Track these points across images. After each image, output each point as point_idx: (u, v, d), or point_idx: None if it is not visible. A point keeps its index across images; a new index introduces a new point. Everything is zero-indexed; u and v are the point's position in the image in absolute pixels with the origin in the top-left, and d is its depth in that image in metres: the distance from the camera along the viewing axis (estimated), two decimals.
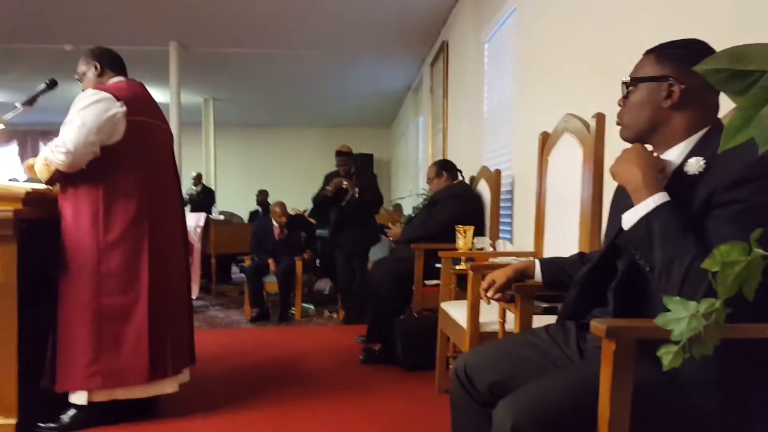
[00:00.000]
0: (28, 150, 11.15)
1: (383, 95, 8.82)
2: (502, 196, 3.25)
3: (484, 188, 3.31)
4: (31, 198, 2.15)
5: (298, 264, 4.81)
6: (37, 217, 2.20)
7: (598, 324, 0.92)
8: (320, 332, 4.29)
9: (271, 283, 4.80)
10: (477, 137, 4.27)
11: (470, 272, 1.97)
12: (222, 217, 6.69)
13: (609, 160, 1.20)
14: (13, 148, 11.34)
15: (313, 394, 2.71)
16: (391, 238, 3.80)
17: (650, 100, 1.13)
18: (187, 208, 7.11)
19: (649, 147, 1.16)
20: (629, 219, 1.06)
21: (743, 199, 0.95)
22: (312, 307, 5.15)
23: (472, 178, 3.56)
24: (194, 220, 5.78)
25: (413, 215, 3.86)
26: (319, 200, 4.64)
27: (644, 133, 1.15)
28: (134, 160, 2.28)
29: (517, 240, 3.19)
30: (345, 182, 4.44)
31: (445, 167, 3.49)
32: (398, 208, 7.37)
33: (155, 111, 2.46)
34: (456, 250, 2.70)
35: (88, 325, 2.18)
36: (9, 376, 2.08)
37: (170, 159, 2.55)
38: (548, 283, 1.47)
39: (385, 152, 11.72)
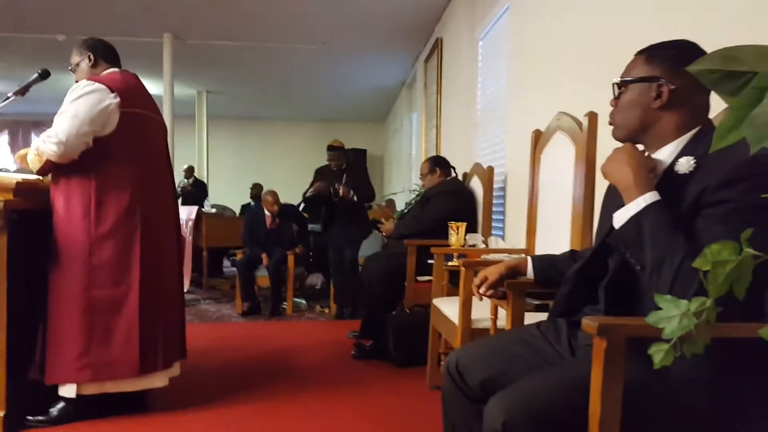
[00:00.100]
0: (19, 140, 11.06)
1: (377, 91, 8.80)
2: (495, 193, 3.26)
3: (476, 185, 3.32)
4: (22, 188, 2.13)
5: (290, 258, 4.80)
6: (27, 208, 2.18)
7: (590, 322, 0.92)
8: (312, 327, 4.29)
9: (262, 277, 4.79)
10: (470, 134, 4.28)
11: (462, 269, 1.98)
12: (214, 211, 6.66)
13: (601, 159, 1.20)
14: (4, 138, 11.23)
15: (304, 388, 2.72)
16: (383, 234, 3.81)
17: (640, 100, 1.14)
18: (179, 201, 7.07)
19: (641, 147, 1.17)
20: (620, 218, 1.07)
21: (734, 199, 0.96)
22: (303, 301, 5.15)
23: (465, 175, 3.57)
24: (186, 213, 5.75)
25: (405, 211, 3.86)
26: (310, 198, 4.64)
27: (635, 133, 1.16)
28: (127, 152, 2.26)
29: (509, 237, 3.20)
30: (342, 189, 4.42)
31: (438, 163, 3.50)
32: (391, 203, 7.37)
33: (149, 103, 2.44)
34: (448, 246, 2.71)
35: (79, 317, 2.17)
36: None
37: (164, 151, 2.53)
38: (540, 280, 1.47)
39: (379, 148, 11.71)
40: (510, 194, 3.27)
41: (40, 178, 2.26)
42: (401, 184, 8.14)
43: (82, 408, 2.22)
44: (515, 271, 1.50)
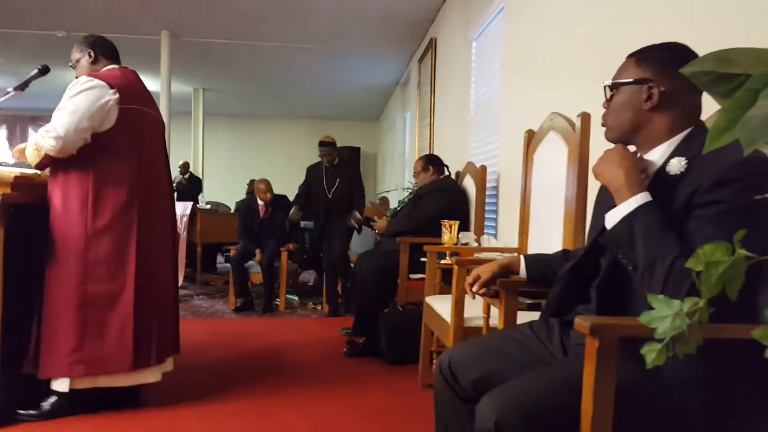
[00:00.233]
0: (17, 135, 11.02)
1: (371, 89, 8.81)
2: (488, 192, 3.27)
3: (469, 184, 3.33)
4: (20, 182, 2.13)
5: (283, 255, 4.78)
6: (25, 202, 2.18)
7: (582, 321, 0.93)
8: (304, 324, 4.29)
9: (256, 273, 4.78)
10: (463, 133, 4.28)
11: (455, 267, 1.98)
12: (209, 207, 6.64)
13: (593, 159, 1.22)
14: (2, 132, 11.18)
15: (296, 385, 2.72)
16: (376, 231, 3.81)
17: (631, 102, 1.15)
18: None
19: (633, 148, 1.18)
20: (612, 218, 1.07)
21: (726, 200, 0.97)
22: (296, 298, 5.14)
23: (458, 174, 3.57)
24: (181, 209, 5.72)
25: (398, 209, 3.86)
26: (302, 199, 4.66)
27: (627, 134, 1.17)
28: (125, 148, 2.27)
29: (502, 236, 3.21)
30: (352, 220, 4.43)
31: (431, 162, 3.50)
32: (384, 201, 7.37)
33: (148, 99, 2.44)
34: (441, 244, 2.71)
35: (73, 311, 2.16)
36: None
37: (161, 147, 2.53)
38: (533, 279, 1.48)
39: (372, 146, 11.71)
40: (503, 193, 3.28)
41: (38, 172, 2.26)
42: (394, 182, 8.15)
43: (73, 403, 2.21)
44: (508, 270, 1.50)
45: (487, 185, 3.24)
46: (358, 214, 4.43)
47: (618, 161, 1.10)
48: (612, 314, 1.07)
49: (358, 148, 10.87)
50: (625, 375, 0.93)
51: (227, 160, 11.30)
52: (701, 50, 0.77)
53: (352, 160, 9.83)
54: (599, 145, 1.33)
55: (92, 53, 2.38)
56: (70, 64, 2.42)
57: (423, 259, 2.76)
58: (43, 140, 2.13)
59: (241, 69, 7.71)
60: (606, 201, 1.17)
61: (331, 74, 7.82)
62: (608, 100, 1.20)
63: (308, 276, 6.18)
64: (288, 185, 5.32)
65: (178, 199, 6.60)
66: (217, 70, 7.86)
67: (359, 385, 2.77)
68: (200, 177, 8.66)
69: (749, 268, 0.71)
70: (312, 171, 4.77)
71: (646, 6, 1.93)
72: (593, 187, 1.46)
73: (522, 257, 1.51)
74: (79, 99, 2.16)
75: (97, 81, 2.21)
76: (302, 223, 5.27)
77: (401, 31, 5.83)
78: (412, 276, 3.17)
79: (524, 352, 1.26)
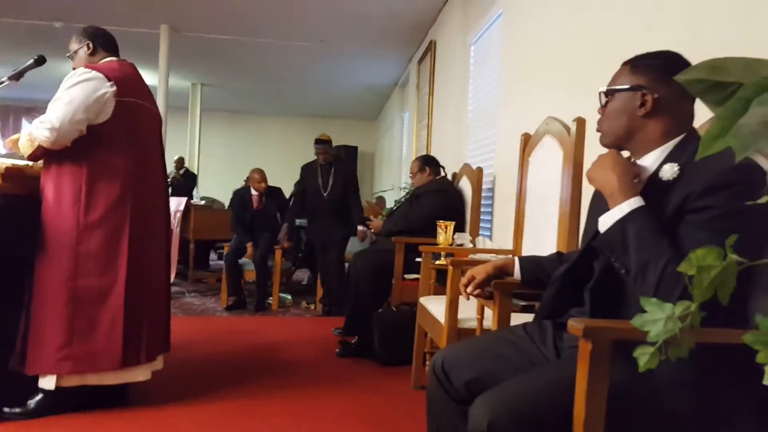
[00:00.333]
0: (10, 126, 10.93)
1: (370, 89, 8.81)
2: (483, 194, 3.28)
3: (465, 185, 3.33)
4: (11, 173, 2.10)
5: (277, 253, 4.77)
6: (16, 193, 2.15)
7: (576, 324, 0.93)
8: (297, 323, 4.28)
9: (250, 271, 4.74)
10: (460, 135, 4.29)
11: (450, 267, 1.98)
12: (203, 202, 6.61)
13: (588, 163, 1.23)
14: None
15: (287, 385, 2.70)
16: (372, 230, 3.80)
17: (625, 108, 1.16)
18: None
19: (627, 153, 1.19)
20: (605, 222, 1.08)
21: (717, 206, 0.98)
22: (289, 297, 5.12)
23: (455, 175, 3.58)
24: (174, 204, 5.70)
25: (395, 208, 3.86)
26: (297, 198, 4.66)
27: (621, 140, 1.19)
28: (121, 141, 2.24)
29: (497, 237, 3.22)
30: (360, 235, 4.41)
31: (428, 162, 3.51)
32: (381, 201, 7.38)
33: (145, 93, 2.42)
34: (436, 245, 2.72)
35: (62, 306, 2.13)
36: None
37: (158, 142, 2.50)
38: (527, 280, 1.48)
39: (370, 145, 11.71)
40: (498, 195, 3.29)
41: (30, 163, 2.23)
42: (391, 182, 8.16)
43: (60, 401, 2.17)
44: (502, 272, 1.50)
45: (483, 187, 3.25)
46: (361, 228, 4.42)
47: (611, 166, 1.11)
48: (605, 317, 1.08)
49: (356, 148, 10.87)
50: (618, 378, 0.93)
51: (223, 157, 11.26)
52: (696, 57, 0.78)
53: (348, 160, 9.85)
54: (594, 149, 1.34)
55: (91, 45, 2.35)
56: (67, 54, 2.40)
57: (418, 260, 2.76)
58: (37, 131, 2.11)
59: (239, 65, 7.69)
60: (600, 205, 1.18)
61: (330, 73, 7.82)
62: (603, 106, 1.22)
63: (302, 275, 6.16)
64: (284, 183, 5.30)
65: (173, 195, 6.58)
66: (216, 66, 7.84)
67: (351, 385, 2.76)
68: (195, 173, 8.63)
69: (740, 273, 0.72)
70: (306, 170, 4.74)
71: (641, 13, 1.94)
72: (587, 191, 1.46)
73: (516, 259, 1.51)
74: (75, 90, 2.13)
75: (94, 73, 2.19)
76: (296, 221, 5.26)
77: (401, 32, 5.84)
78: (406, 276, 3.17)
79: (518, 353, 1.27)
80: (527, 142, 2.30)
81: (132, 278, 2.22)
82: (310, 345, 3.50)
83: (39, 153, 2.16)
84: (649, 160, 1.14)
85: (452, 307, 1.99)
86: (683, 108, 1.14)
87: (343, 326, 3.48)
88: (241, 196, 5.00)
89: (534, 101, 2.82)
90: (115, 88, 2.20)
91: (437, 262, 2.63)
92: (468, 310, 2.02)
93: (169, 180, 7.30)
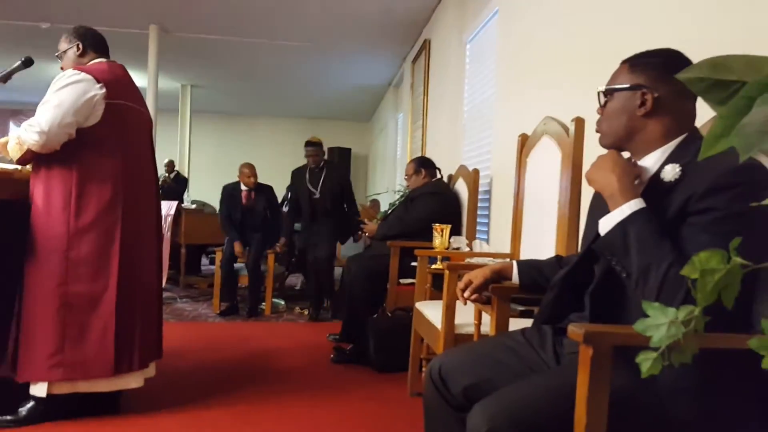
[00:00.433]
0: None
1: (363, 90, 8.79)
2: (480, 196, 3.26)
3: (461, 187, 3.32)
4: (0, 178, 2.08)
5: (270, 257, 4.72)
6: (5, 198, 2.12)
7: (576, 329, 0.91)
8: (290, 329, 4.24)
9: (245, 276, 4.68)
10: (456, 136, 4.28)
11: (446, 272, 1.96)
12: (194, 206, 6.57)
13: (587, 164, 1.21)
14: None
15: (281, 392, 2.67)
16: (366, 234, 3.78)
17: (625, 108, 1.14)
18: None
19: (627, 154, 1.17)
20: (605, 225, 1.06)
21: (720, 207, 0.96)
22: (282, 302, 5.07)
23: (451, 177, 3.56)
24: (165, 208, 5.64)
25: (389, 211, 3.84)
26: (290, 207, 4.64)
27: (621, 140, 1.17)
28: (111, 144, 2.21)
29: (494, 241, 3.20)
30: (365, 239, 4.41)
31: (423, 164, 3.49)
32: (375, 203, 7.36)
33: (135, 95, 2.39)
34: (432, 248, 2.69)
35: (53, 313, 2.10)
36: None
37: (148, 144, 2.48)
38: (525, 285, 1.46)
39: (364, 147, 11.68)
40: (495, 197, 3.27)
41: (19, 167, 2.20)
42: (385, 184, 8.14)
43: (51, 408, 2.14)
44: (500, 276, 1.48)
45: (480, 189, 3.23)
46: (361, 234, 4.40)
47: (611, 167, 1.09)
48: (605, 322, 1.06)
49: (349, 149, 10.85)
50: (619, 384, 0.92)
51: (214, 159, 11.18)
52: (697, 55, 0.77)
53: (342, 162, 9.82)
54: (593, 150, 1.32)
55: (80, 45, 2.32)
56: (56, 54, 2.36)
57: (413, 264, 2.74)
58: (26, 135, 2.08)
59: (230, 66, 7.65)
60: (600, 207, 1.16)
61: (322, 73, 7.79)
62: (602, 106, 1.20)
63: (295, 279, 6.12)
64: (276, 186, 5.26)
65: (163, 199, 6.53)
66: (206, 67, 7.79)
67: (346, 392, 2.73)
68: (186, 176, 8.58)
69: (744, 277, 0.70)
70: (296, 174, 4.71)
71: (640, 11, 1.93)
72: (587, 193, 1.45)
73: (515, 263, 1.49)
74: (64, 93, 2.11)
75: (83, 75, 2.16)
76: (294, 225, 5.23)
77: (395, 31, 5.82)
78: (402, 281, 3.14)
79: (516, 359, 1.25)
80: (525, 143, 2.28)
81: (124, 283, 2.20)
82: (304, 351, 3.47)
83: (28, 157, 2.13)
84: (650, 161, 1.12)
85: (449, 313, 1.96)
86: (684, 107, 1.12)
87: (339, 333, 3.44)
88: (230, 190, 4.91)
89: (531, 101, 2.80)
90: (104, 90, 2.17)
91: (433, 267, 2.60)
92: (465, 315, 2.00)
93: (159, 183, 7.27)
